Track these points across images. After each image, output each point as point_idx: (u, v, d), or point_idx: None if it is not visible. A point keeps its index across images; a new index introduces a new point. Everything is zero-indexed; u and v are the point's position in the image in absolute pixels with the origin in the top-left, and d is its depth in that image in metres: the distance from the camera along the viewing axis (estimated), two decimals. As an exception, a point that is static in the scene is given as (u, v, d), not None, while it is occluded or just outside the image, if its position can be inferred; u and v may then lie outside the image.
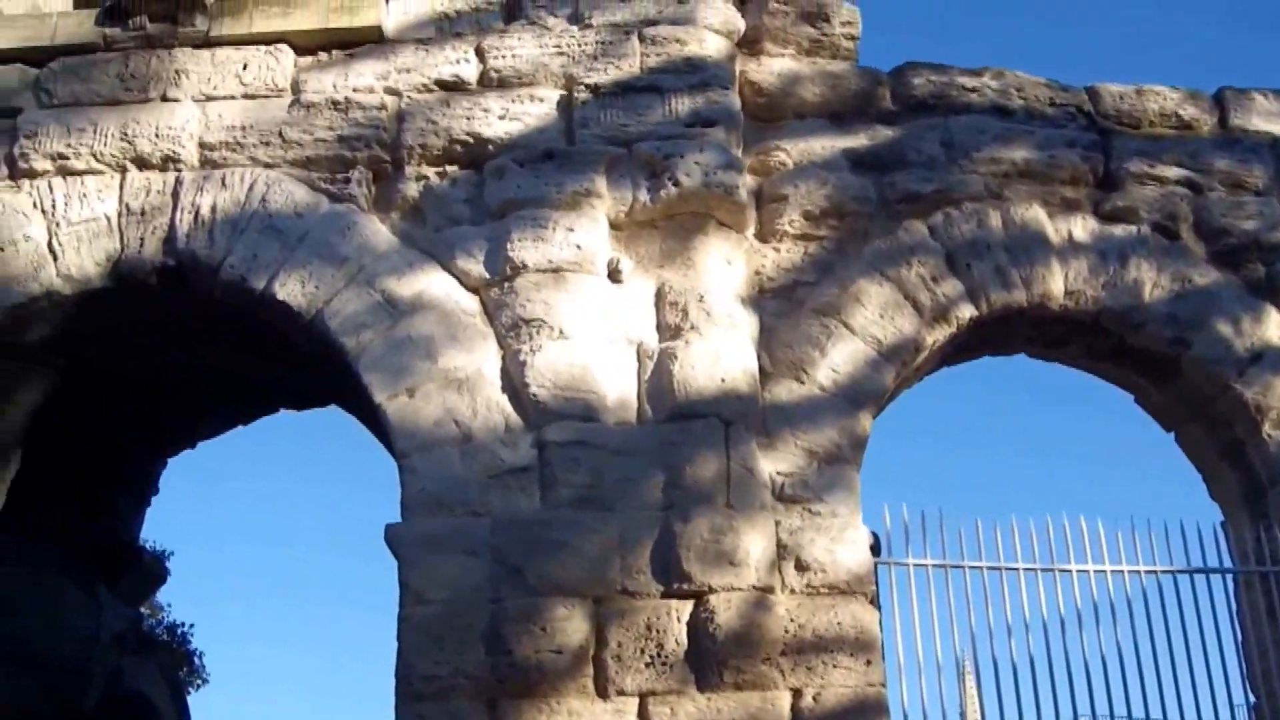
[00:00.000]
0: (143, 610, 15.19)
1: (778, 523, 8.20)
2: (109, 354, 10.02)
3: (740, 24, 9.52)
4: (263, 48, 9.36)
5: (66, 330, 9.27)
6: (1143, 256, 9.39)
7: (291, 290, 8.65)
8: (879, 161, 9.44)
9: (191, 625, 20.93)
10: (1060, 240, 9.36)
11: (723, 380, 8.32)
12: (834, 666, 7.86)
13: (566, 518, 7.97)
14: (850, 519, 8.33)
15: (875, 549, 8.47)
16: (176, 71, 9.30)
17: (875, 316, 8.90)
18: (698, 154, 8.76)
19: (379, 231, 8.81)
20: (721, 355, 8.38)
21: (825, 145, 9.43)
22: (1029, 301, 9.20)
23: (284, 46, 9.36)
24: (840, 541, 8.21)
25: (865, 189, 9.31)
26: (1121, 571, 8.94)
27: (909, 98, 9.71)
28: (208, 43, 9.42)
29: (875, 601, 8.25)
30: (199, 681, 20.76)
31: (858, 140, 9.51)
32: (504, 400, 8.29)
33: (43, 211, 9.00)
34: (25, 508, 10.62)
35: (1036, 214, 9.40)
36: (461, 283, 8.64)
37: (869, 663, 7.93)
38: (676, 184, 8.70)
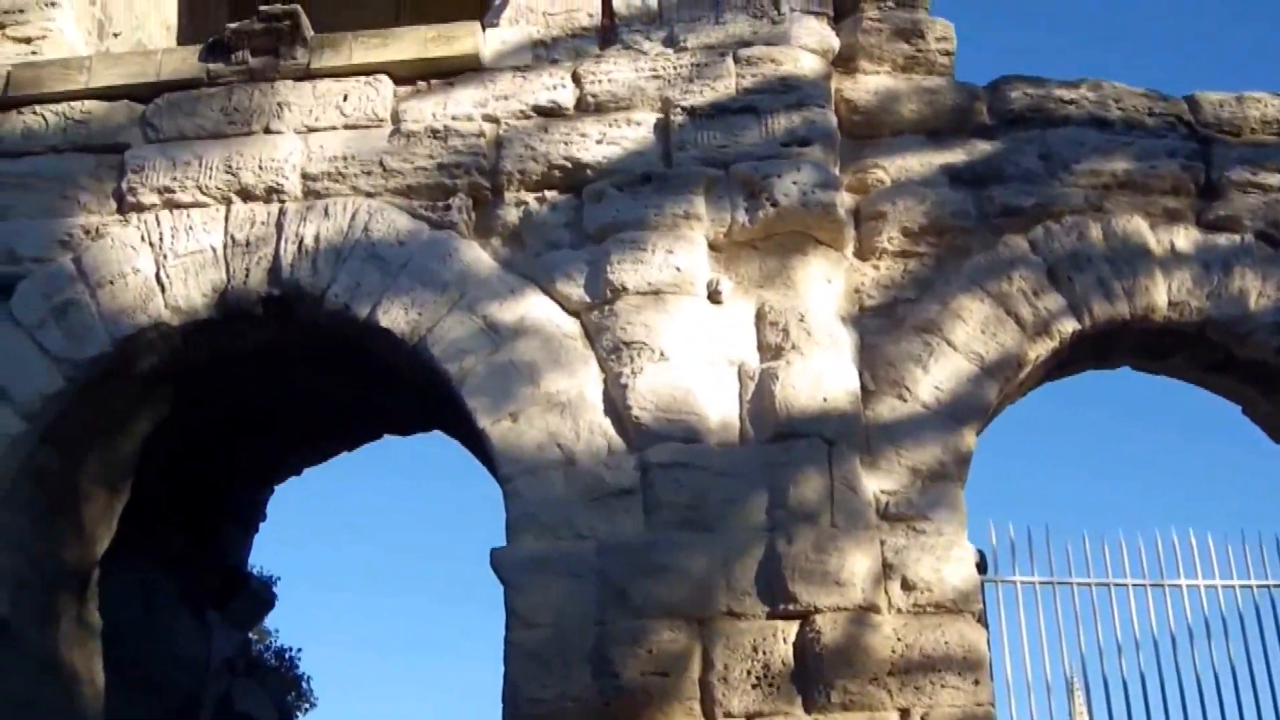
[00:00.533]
0: (251, 635, 15.39)
1: (882, 541, 8.14)
2: (216, 383, 10.15)
3: (835, 42, 9.50)
4: (362, 79, 9.47)
5: (175, 361, 9.41)
6: (1247, 265, 9.25)
7: (394, 317, 8.74)
8: (977, 176, 9.38)
9: (299, 649, 21.20)
10: (1163, 251, 9.24)
11: (825, 399, 8.30)
12: (942, 686, 7.79)
13: (670, 539, 7.98)
14: (955, 537, 8.27)
15: (981, 567, 8.42)
16: (279, 104, 9.44)
17: (977, 332, 8.84)
18: (795, 173, 8.76)
19: (480, 257, 8.88)
20: (823, 374, 8.35)
21: (923, 161, 9.39)
22: (1132, 314, 9.08)
23: (383, 77, 9.46)
24: (946, 560, 8.14)
25: (964, 204, 9.25)
26: (1232, 586, 8.83)
27: (1006, 111, 9.63)
28: (308, 75, 9.54)
29: (982, 620, 8.19)
30: (306, 705, 21.02)
31: (955, 155, 9.46)
32: (606, 423, 8.32)
33: (150, 244, 9.16)
34: (137, 536, 10.78)
35: (1138, 225, 9.30)
36: (562, 306, 8.69)
37: (977, 682, 7.85)
38: (775, 204, 8.70)
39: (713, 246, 8.78)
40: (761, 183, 8.77)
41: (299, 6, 9.59)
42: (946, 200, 9.23)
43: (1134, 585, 8.76)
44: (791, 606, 7.84)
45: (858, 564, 7.93)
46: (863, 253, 9.12)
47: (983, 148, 9.51)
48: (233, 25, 9.67)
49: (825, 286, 8.76)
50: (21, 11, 10.14)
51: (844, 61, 9.61)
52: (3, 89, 9.77)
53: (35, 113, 9.70)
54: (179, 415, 10.22)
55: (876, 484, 8.37)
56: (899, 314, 8.95)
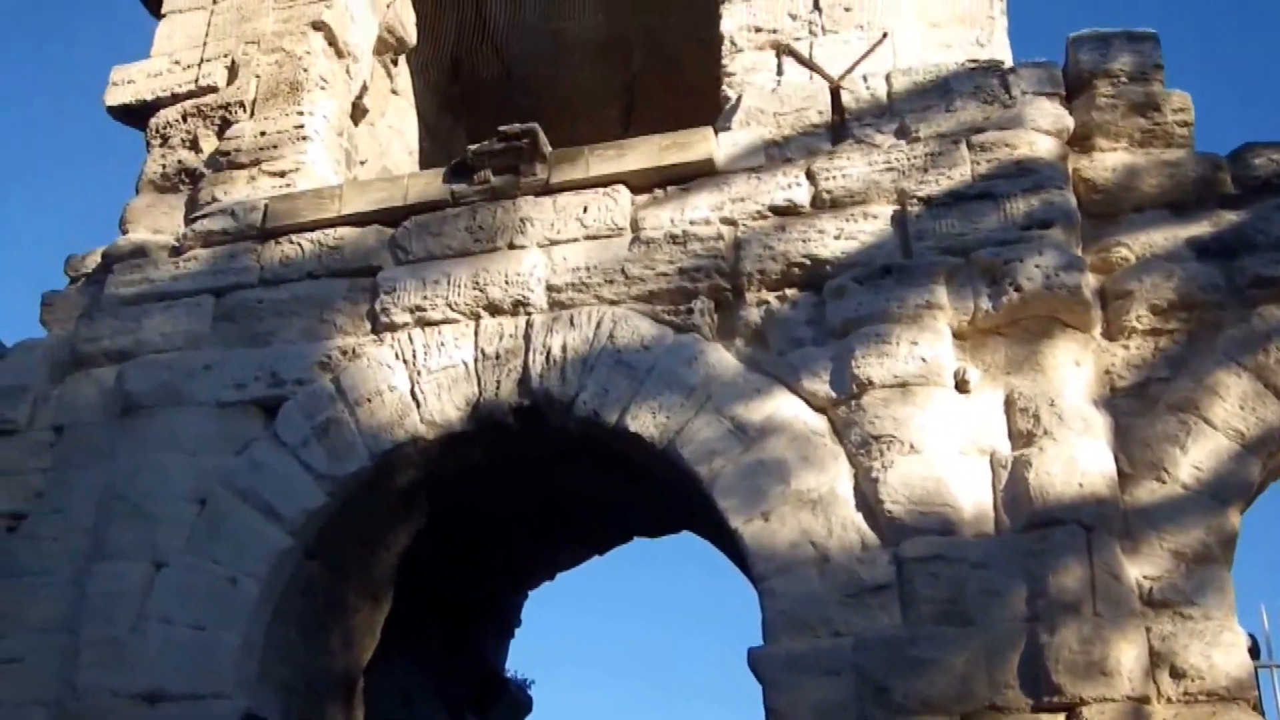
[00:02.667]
0: (509, 739, 15.57)
1: (1148, 629, 7.91)
2: (470, 492, 10.40)
3: (1069, 122, 9.41)
4: (600, 190, 9.69)
5: (431, 473, 9.69)
6: None
7: (643, 422, 8.86)
8: (1225, 248, 9.12)
9: (555, 752, 21.34)
10: None
11: (1080, 485, 8.13)
12: (1218, 777, 7.55)
13: (930, 634, 7.87)
14: (1225, 621, 7.99)
15: (1254, 652, 8.14)
16: (521, 220, 9.71)
17: (1235, 408, 8.58)
18: (1037, 257, 8.67)
19: (724, 359, 8.96)
20: (1077, 459, 8.18)
21: (1167, 236, 9.19)
22: (1398, 381, 8.74)
23: (620, 187, 9.67)
24: (1216, 645, 7.87)
25: (1213, 277, 9.00)
26: None
27: (1251, 179, 9.37)
28: (548, 190, 9.80)
29: (1258, 708, 7.90)
30: (563, 805, 21.08)
31: (1200, 228, 9.22)
32: (859, 518, 8.28)
33: (404, 362, 9.48)
34: (398, 644, 11.05)
35: (1399, 288, 8.95)
36: (809, 404, 8.69)
37: (1256, 772, 7.59)
38: (1018, 289, 8.61)
39: (957, 335, 8.72)
40: (1003, 268, 8.69)
41: (536, 125, 9.87)
42: (1195, 274, 9.01)
43: None
44: (1057, 699, 7.63)
45: (1124, 653, 7.71)
46: (1111, 333, 8.95)
47: (1229, 218, 9.26)
48: (474, 147, 9.98)
49: (1074, 370, 8.62)
50: (275, 148, 10.68)
51: (1079, 140, 9.50)
52: (262, 221, 10.27)
53: (292, 242, 10.16)
54: (434, 522, 10.48)
55: (1138, 569, 8.16)
56: (1152, 394, 8.74)
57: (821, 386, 8.69)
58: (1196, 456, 8.45)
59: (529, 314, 9.41)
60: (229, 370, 9.82)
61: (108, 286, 10.47)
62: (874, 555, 8.16)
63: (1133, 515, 8.33)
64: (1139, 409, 8.69)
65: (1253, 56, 33.20)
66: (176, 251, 10.49)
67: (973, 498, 8.22)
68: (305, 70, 11.08)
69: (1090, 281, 8.89)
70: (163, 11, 11.82)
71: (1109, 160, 9.46)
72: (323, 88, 11.12)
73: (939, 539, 8.09)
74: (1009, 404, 8.48)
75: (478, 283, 9.54)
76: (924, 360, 8.56)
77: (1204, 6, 33.42)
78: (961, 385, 8.55)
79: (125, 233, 10.84)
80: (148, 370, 9.95)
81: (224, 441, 9.62)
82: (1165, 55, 9.76)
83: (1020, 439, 8.36)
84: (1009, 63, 9.77)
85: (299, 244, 10.13)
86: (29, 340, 10.74)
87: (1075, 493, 8.10)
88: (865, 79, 9.76)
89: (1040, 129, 9.26)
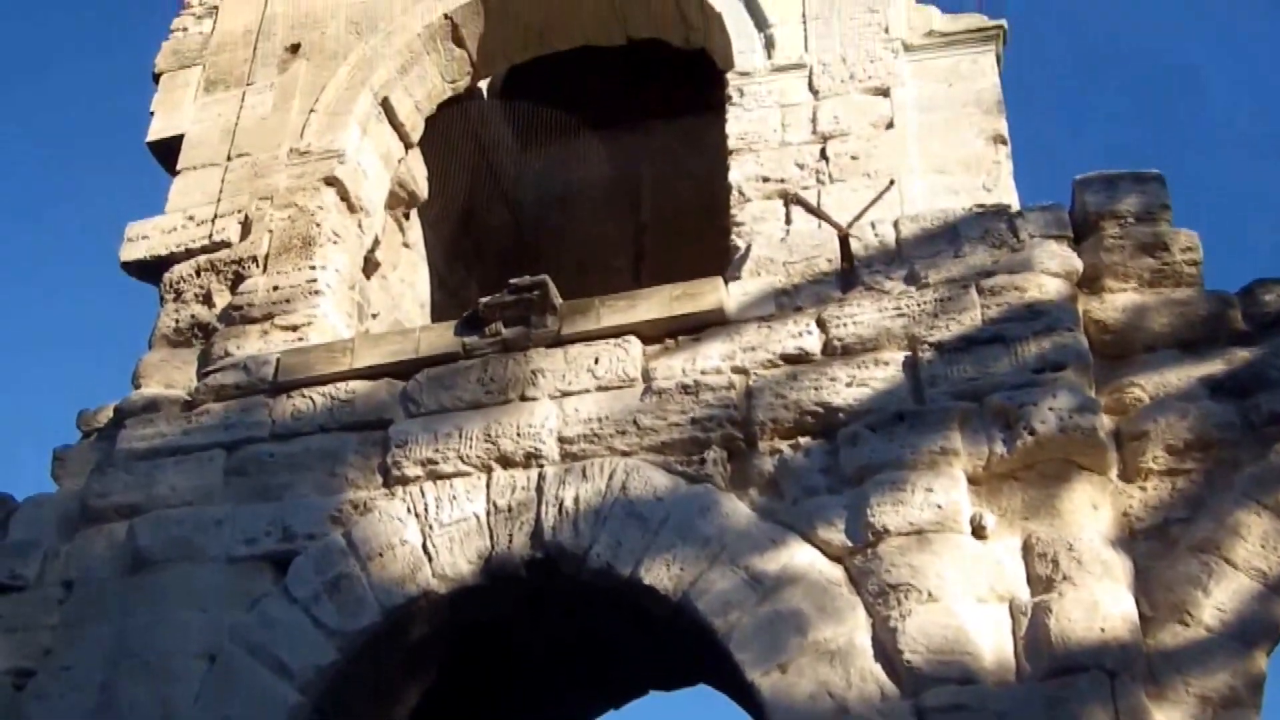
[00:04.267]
0: None
1: (1178, 776, 7.80)
2: (483, 645, 10.29)
3: (1078, 264, 9.44)
4: (611, 341, 9.71)
5: (443, 628, 9.61)
6: None
7: (657, 574, 8.77)
8: (1239, 385, 9.10)
9: None
10: None
11: (1102, 630, 8.00)
12: None
13: (954, 786, 7.72)
14: (1256, 768, 7.88)
15: (1286, 798, 8.00)
16: (532, 372, 9.72)
17: (1256, 548, 8.48)
18: (1051, 399, 8.63)
19: (737, 509, 8.89)
20: (1098, 604, 8.07)
21: (1180, 375, 9.17)
22: None
23: (631, 338, 9.69)
24: (1247, 793, 7.75)
25: (1228, 416, 8.96)
26: None
27: (1261, 315, 9.37)
28: (559, 341, 9.82)
29: None
30: None
31: (1213, 366, 9.21)
32: (877, 669, 8.14)
33: (416, 515, 9.43)
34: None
35: None
36: (824, 553, 8.60)
37: None
38: (1033, 432, 8.56)
39: (972, 480, 8.66)
40: (1017, 412, 8.65)
41: (546, 277, 9.93)
42: (1210, 413, 8.97)
43: None
44: None
45: (1155, 803, 7.58)
46: (1128, 474, 8.89)
47: (1242, 355, 9.25)
48: (485, 299, 10.02)
49: (1092, 513, 8.54)
50: (288, 302, 10.74)
51: (1089, 281, 9.52)
52: (274, 375, 10.29)
53: (304, 395, 10.16)
54: (447, 676, 10.36)
55: (1164, 715, 8.01)
56: (1172, 535, 8.66)
57: (837, 535, 8.61)
58: (1219, 598, 8.36)
59: (541, 466, 9.37)
60: (240, 525, 9.77)
61: (120, 441, 10.46)
62: (894, 706, 8.01)
63: (1156, 659, 8.21)
64: (1159, 551, 8.61)
65: (1261, 192, 33.36)
66: (189, 406, 10.49)
67: (993, 645, 8.10)
68: (318, 225, 11.18)
69: (1105, 423, 8.86)
70: (178, 168, 11.99)
71: (1119, 301, 9.47)
72: (335, 242, 11.23)
73: (960, 688, 7.94)
74: (1027, 549, 8.39)
75: (489, 435, 9.52)
76: (939, 507, 8.48)
77: (1208, 144, 33.67)
78: (978, 531, 8.47)
79: (138, 387, 10.85)
80: (159, 525, 9.89)
81: (235, 597, 9.54)
82: (1171, 194, 9.82)
83: (1039, 584, 8.25)
84: (1016, 206, 9.83)
85: (310, 397, 10.13)
86: (40, 495, 10.74)
87: (1097, 638, 7.98)
88: (873, 226, 9.81)
89: (1049, 271, 9.28)
